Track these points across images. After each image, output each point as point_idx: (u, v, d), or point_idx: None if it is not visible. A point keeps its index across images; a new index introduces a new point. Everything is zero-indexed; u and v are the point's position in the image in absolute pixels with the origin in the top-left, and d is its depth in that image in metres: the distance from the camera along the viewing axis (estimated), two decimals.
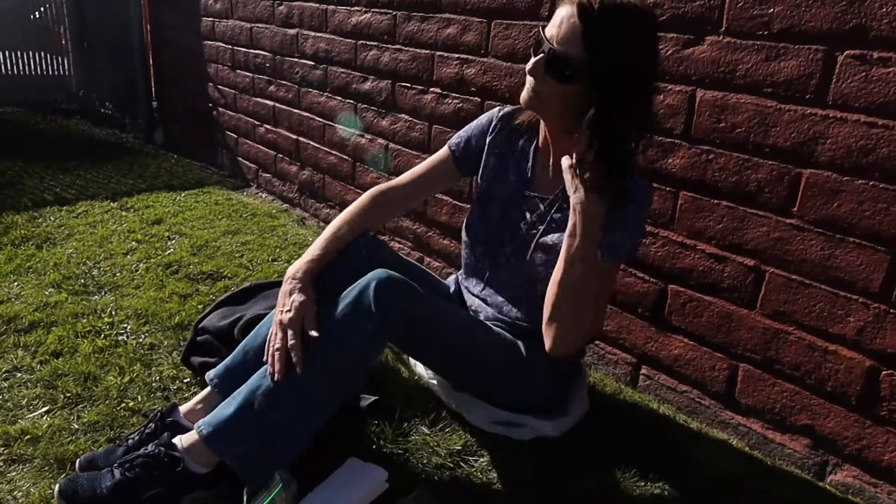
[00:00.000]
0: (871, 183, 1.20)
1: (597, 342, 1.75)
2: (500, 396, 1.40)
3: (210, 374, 1.31)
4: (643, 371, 1.66)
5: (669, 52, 1.45)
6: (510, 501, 1.24)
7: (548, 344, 1.23)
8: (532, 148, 1.38)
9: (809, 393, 1.36)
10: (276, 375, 1.13)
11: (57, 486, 1.13)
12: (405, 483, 1.23)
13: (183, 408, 1.29)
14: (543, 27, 1.18)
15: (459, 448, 1.37)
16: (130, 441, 1.24)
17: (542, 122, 1.33)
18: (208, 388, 1.31)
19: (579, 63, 1.12)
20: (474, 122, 1.47)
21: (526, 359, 1.36)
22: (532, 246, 1.33)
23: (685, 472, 1.35)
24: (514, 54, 1.81)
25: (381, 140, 2.36)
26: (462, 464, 1.33)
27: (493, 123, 1.43)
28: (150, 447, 1.16)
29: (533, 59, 1.18)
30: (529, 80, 1.20)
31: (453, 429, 1.43)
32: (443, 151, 1.47)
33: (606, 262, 1.20)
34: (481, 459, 1.34)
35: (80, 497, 1.10)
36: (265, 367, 1.19)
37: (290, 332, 1.17)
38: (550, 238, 1.31)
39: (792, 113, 1.29)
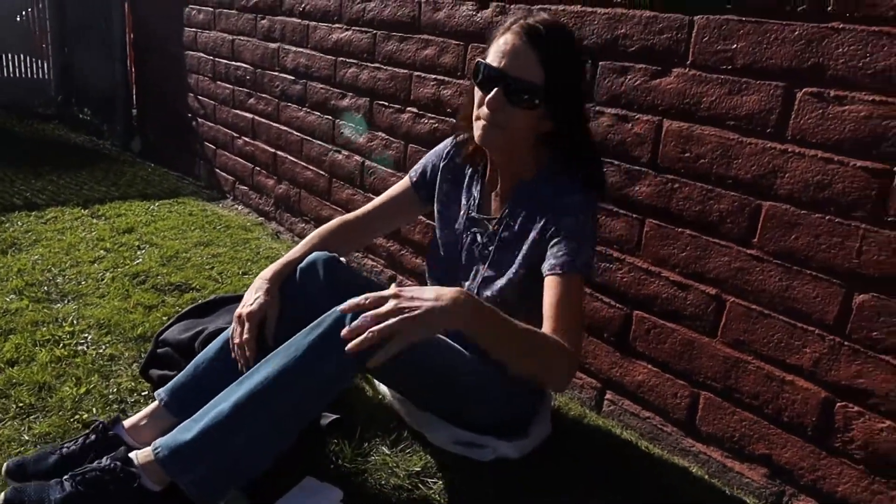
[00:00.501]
0: (826, 217, 1.23)
1: None
2: (471, 417, 1.39)
3: (159, 391, 1.29)
4: (608, 396, 1.67)
5: (638, 82, 1.48)
6: None
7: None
8: (479, 175, 1.40)
9: (767, 422, 1.37)
10: (242, 370, 1.18)
11: (2, 495, 1.09)
12: None
13: (127, 422, 1.26)
14: (479, 60, 1.20)
15: (419, 469, 1.35)
16: (65, 449, 1.20)
17: (487, 152, 1.33)
18: (155, 403, 1.28)
19: (540, 86, 1.15)
20: (432, 150, 1.49)
21: (494, 379, 1.36)
22: (485, 266, 1.34)
23: (646, 498, 1.35)
24: None
25: (357, 157, 2.37)
26: (420, 485, 1.31)
27: (448, 150, 1.45)
28: (104, 461, 1.12)
29: (489, 95, 1.16)
30: (484, 114, 1.18)
31: (414, 449, 1.42)
32: (403, 181, 1.51)
33: (578, 278, 1.21)
34: (440, 481, 1.33)
35: None
36: (227, 389, 1.15)
37: (246, 326, 1.20)
38: (500, 263, 1.32)
39: (753, 146, 1.32)
